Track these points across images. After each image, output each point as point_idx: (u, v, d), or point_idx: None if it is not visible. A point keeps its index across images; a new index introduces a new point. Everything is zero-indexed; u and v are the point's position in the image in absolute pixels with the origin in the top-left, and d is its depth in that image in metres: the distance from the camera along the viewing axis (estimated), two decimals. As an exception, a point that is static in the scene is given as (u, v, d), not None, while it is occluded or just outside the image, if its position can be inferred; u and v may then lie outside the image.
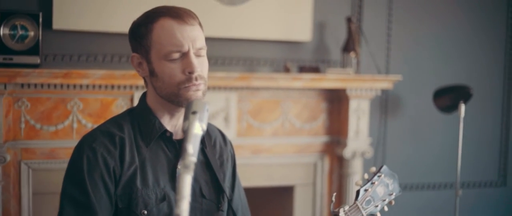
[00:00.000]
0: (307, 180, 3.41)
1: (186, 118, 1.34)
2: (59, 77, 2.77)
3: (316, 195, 3.42)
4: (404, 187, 3.72)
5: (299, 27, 3.35)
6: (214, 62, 3.24)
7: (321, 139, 3.39)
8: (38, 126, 2.86)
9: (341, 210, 1.72)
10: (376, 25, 3.59)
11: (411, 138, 3.74)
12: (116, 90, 2.94)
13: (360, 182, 1.81)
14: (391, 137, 3.69)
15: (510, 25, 3.91)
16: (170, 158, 1.63)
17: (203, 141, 1.70)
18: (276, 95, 3.26)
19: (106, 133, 1.60)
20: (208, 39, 3.17)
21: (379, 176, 1.82)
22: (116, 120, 1.66)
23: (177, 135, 1.66)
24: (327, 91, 3.35)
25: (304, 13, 3.34)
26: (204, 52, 1.62)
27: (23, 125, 2.84)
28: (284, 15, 3.31)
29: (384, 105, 3.66)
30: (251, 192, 3.41)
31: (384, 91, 3.57)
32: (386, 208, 1.83)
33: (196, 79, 1.57)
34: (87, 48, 3.05)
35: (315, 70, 3.30)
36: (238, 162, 3.15)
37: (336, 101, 3.39)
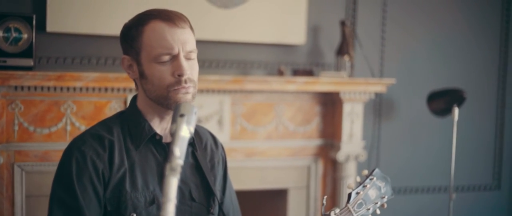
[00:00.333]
0: (301, 183, 3.41)
1: (174, 121, 1.34)
2: (53, 80, 2.77)
3: (310, 198, 3.42)
4: (398, 190, 3.73)
5: (293, 30, 3.35)
6: (208, 65, 3.25)
7: (315, 142, 3.39)
8: (31, 128, 2.86)
9: (332, 213, 1.72)
10: (370, 28, 3.60)
11: (405, 141, 3.75)
12: (110, 93, 2.94)
13: (352, 185, 1.81)
14: (385, 141, 3.70)
15: (505, 28, 3.93)
16: (160, 161, 1.63)
17: (193, 144, 1.71)
18: (270, 98, 3.26)
19: (96, 136, 1.60)
20: (202, 42, 3.20)
21: (371, 179, 1.82)
22: (106, 123, 1.66)
23: (167, 138, 1.66)
24: (321, 94, 3.36)
25: (298, 16, 3.35)
26: (194, 55, 1.62)
27: (16, 128, 2.84)
28: (278, 18, 3.32)
29: (378, 108, 3.67)
30: (244, 195, 3.42)
31: (378, 95, 3.58)
32: (378, 211, 1.83)
33: (186, 82, 1.58)
34: (81, 50, 3.06)
35: (309, 73, 3.31)
36: (231, 165, 3.15)
37: (330, 105, 3.40)
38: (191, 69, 1.60)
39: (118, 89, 2.93)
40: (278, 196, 3.47)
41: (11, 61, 2.76)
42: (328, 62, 3.48)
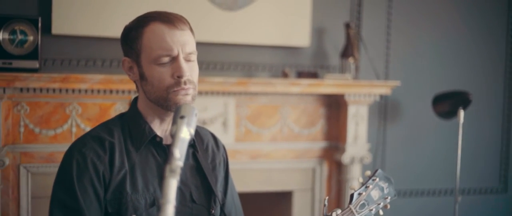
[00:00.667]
0: (305, 186, 3.41)
1: (174, 122, 1.34)
2: (58, 82, 2.79)
3: (314, 201, 3.41)
4: (403, 193, 3.72)
5: (297, 33, 3.36)
6: (213, 67, 3.26)
7: (320, 144, 3.39)
8: (37, 130, 2.88)
9: (334, 214, 1.72)
10: (375, 30, 3.60)
11: (410, 144, 3.74)
12: (115, 95, 2.95)
13: (355, 186, 1.81)
14: (390, 143, 3.69)
15: (511, 30, 3.91)
16: (160, 163, 1.64)
17: (194, 145, 1.71)
18: (275, 100, 3.27)
19: (96, 138, 1.61)
20: (207, 44, 3.21)
21: (373, 180, 1.82)
22: (107, 125, 1.67)
23: (168, 140, 1.67)
24: (326, 96, 3.36)
25: (303, 18, 3.35)
26: (194, 57, 1.63)
27: (22, 129, 2.86)
28: (283, 21, 3.32)
29: (383, 110, 3.66)
30: (249, 197, 3.42)
31: (383, 97, 3.58)
32: (381, 212, 1.82)
33: (185, 83, 1.58)
34: (86, 52, 3.07)
35: (314, 75, 3.31)
36: (236, 167, 3.17)
37: (334, 107, 3.40)
38: (190, 70, 1.60)
39: (123, 91, 2.94)
40: (283, 198, 3.47)
41: (17, 63, 2.78)
42: (333, 64, 3.48)
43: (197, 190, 1.69)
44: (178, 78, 1.57)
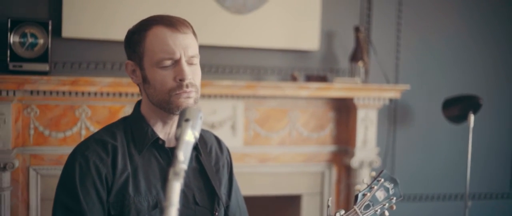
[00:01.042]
0: (314, 189, 3.40)
1: (179, 125, 1.35)
2: (68, 85, 2.81)
3: (323, 205, 3.40)
4: (413, 197, 3.70)
5: (306, 36, 3.35)
6: (222, 71, 3.26)
7: (329, 148, 3.39)
8: (46, 132, 2.90)
9: (337, 214, 1.71)
10: (385, 34, 3.59)
11: (420, 148, 3.72)
12: (124, 98, 2.97)
13: (360, 188, 1.80)
14: (400, 147, 3.67)
15: (522, 35, 3.88)
16: (163, 166, 1.64)
17: (198, 148, 1.71)
18: (283, 104, 3.27)
19: (99, 141, 1.62)
20: (216, 48, 3.21)
21: (378, 181, 1.81)
22: (110, 128, 1.68)
23: (171, 143, 1.67)
24: (335, 100, 3.35)
25: (312, 22, 3.35)
26: (196, 61, 1.63)
27: (32, 132, 2.88)
28: (292, 24, 3.32)
29: (393, 114, 3.65)
30: (258, 201, 3.42)
31: (393, 101, 3.56)
32: (387, 213, 1.81)
33: (187, 87, 1.58)
34: (96, 56, 3.09)
35: (323, 79, 3.31)
36: (245, 170, 3.18)
37: (343, 111, 3.39)
38: (193, 74, 1.60)
39: (132, 94, 2.95)
40: (291, 202, 3.46)
41: (27, 66, 2.81)
42: (342, 68, 3.48)
43: (200, 193, 1.69)
44: (180, 81, 1.58)
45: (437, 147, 3.76)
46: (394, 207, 1.81)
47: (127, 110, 2.97)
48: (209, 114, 3.11)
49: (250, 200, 3.14)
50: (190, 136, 1.31)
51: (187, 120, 1.34)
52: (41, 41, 2.83)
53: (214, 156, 1.80)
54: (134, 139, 1.65)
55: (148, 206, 1.59)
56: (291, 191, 3.38)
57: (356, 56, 3.33)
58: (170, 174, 1.18)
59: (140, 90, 1.69)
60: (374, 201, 1.78)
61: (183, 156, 1.23)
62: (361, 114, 3.32)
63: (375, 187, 1.79)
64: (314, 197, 3.41)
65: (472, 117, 3.24)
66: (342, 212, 1.71)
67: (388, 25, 3.60)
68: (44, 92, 2.85)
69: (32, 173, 2.90)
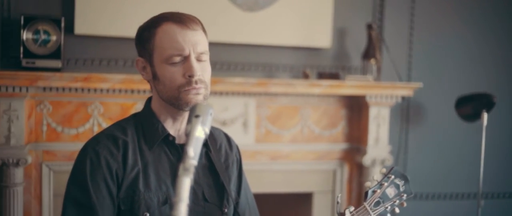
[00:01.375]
0: (326, 187, 3.39)
1: (189, 121, 1.35)
2: (80, 81, 2.82)
3: (335, 203, 3.39)
4: (425, 196, 3.68)
5: (319, 34, 3.34)
6: (233, 68, 3.26)
7: (341, 146, 3.38)
8: (59, 128, 2.92)
9: (347, 211, 1.70)
10: (397, 31, 3.57)
11: (433, 146, 3.70)
12: (136, 94, 2.98)
13: (371, 184, 1.79)
14: (412, 145, 3.65)
15: (537, 33, 3.85)
16: (173, 162, 1.65)
17: (207, 145, 1.71)
18: (295, 101, 3.26)
19: (110, 137, 1.63)
20: (227, 45, 3.22)
21: (389, 178, 1.79)
22: (120, 124, 1.69)
23: (181, 139, 1.68)
24: (347, 98, 3.34)
25: (324, 19, 3.34)
26: (206, 57, 1.63)
27: (45, 128, 2.90)
28: (304, 21, 3.31)
29: (406, 112, 3.63)
30: (269, 198, 3.42)
31: (405, 99, 3.54)
32: (397, 210, 1.79)
33: (196, 83, 1.59)
34: (108, 52, 3.10)
35: (335, 76, 3.29)
36: (256, 168, 3.18)
37: (356, 108, 3.38)
38: (202, 70, 1.61)
39: (144, 91, 2.96)
40: (303, 200, 3.46)
41: (40, 63, 2.83)
42: (354, 65, 3.46)
43: (210, 189, 1.70)
44: (189, 77, 1.58)
45: (449, 146, 3.73)
46: (405, 204, 1.80)
47: (139, 107, 2.98)
48: (220, 111, 3.11)
49: (261, 198, 3.14)
50: (200, 132, 1.31)
51: (197, 116, 1.34)
52: (53, 38, 2.85)
53: (223, 153, 1.80)
54: (145, 135, 1.65)
55: (158, 201, 1.60)
56: (302, 189, 3.38)
57: (368, 53, 3.31)
58: (180, 170, 1.18)
59: (150, 86, 1.70)
60: (384, 198, 1.76)
61: (193, 152, 1.23)
62: (373, 112, 3.31)
63: (386, 184, 1.78)
64: (325, 195, 3.40)
65: (485, 116, 3.21)
66: (352, 208, 1.71)
67: (400, 22, 3.58)
68: (57, 89, 2.87)
69: (44, 169, 2.93)
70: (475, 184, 3.34)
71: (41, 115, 2.89)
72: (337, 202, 1.71)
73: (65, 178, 2.88)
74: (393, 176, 1.79)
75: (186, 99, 1.59)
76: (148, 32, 1.63)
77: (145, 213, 1.58)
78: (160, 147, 1.65)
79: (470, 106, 3.35)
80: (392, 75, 3.49)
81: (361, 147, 3.36)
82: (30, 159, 2.83)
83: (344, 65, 3.45)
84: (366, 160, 3.31)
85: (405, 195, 1.80)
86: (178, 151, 1.66)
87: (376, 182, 1.79)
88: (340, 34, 3.43)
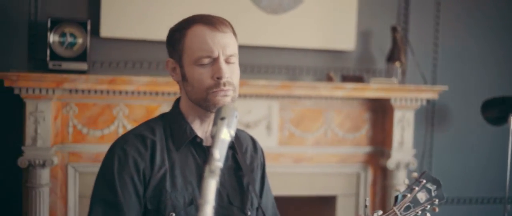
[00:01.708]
0: (349, 191, 3.38)
1: (214, 123, 1.36)
2: (105, 83, 2.85)
3: (359, 206, 3.38)
4: (450, 200, 3.64)
5: (343, 36, 3.33)
6: (257, 71, 3.26)
7: (364, 149, 3.36)
8: (85, 130, 2.95)
9: (375, 215, 1.68)
10: (423, 34, 3.54)
11: (458, 150, 3.66)
12: (160, 97, 3.00)
13: (400, 188, 1.76)
14: (437, 149, 3.62)
15: None
16: (199, 163, 1.65)
17: (234, 147, 1.72)
18: (319, 104, 3.25)
19: (138, 136, 1.64)
20: (251, 48, 3.22)
21: (420, 182, 1.76)
22: (149, 124, 1.70)
23: (208, 141, 1.68)
24: (371, 101, 3.32)
25: (348, 21, 3.32)
26: (234, 60, 1.64)
27: (70, 129, 2.93)
28: (328, 24, 3.30)
29: (431, 116, 3.60)
30: (292, 201, 3.42)
31: (430, 102, 3.51)
32: (428, 215, 1.77)
33: (225, 85, 1.59)
34: (133, 55, 3.13)
35: (359, 79, 3.28)
36: (279, 170, 3.17)
37: (380, 111, 3.36)
38: (230, 72, 1.62)
39: (169, 93, 2.98)
40: (326, 203, 3.44)
41: (66, 65, 2.86)
42: (379, 68, 3.44)
43: (234, 192, 1.70)
44: (217, 79, 1.59)
45: (475, 149, 3.69)
46: (437, 210, 1.76)
47: (164, 109, 3.00)
48: (244, 113, 3.11)
49: (285, 201, 3.14)
50: (226, 135, 1.32)
51: (222, 118, 1.35)
52: (80, 40, 2.89)
53: (249, 156, 1.81)
54: (173, 136, 1.66)
55: (184, 202, 1.60)
56: (326, 192, 3.36)
57: (393, 56, 3.29)
58: (206, 172, 1.19)
59: (179, 87, 1.71)
60: (415, 202, 1.73)
61: (219, 154, 1.24)
62: (398, 115, 3.29)
63: (416, 188, 1.75)
64: (349, 199, 3.38)
65: (512, 119, 3.17)
66: (380, 213, 1.68)
67: (425, 24, 3.55)
68: (83, 91, 2.90)
69: (70, 170, 2.96)
70: (502, 188, 3.29)
71: (67, 117, 2.93)
72: (365, 206, 1.69)
73: (91, 179, 2.90)
74: (424, 181, 1.76)
75: (214, 101, 1.60)
76: (178, 34, 1.65)
77: (171, 213, 1.58)
78: (187, 148, 1.66)
79: (497, 110, 3.31)
80: (417, 78, 3.46)
81: (385, 150, 3.34)
82: (56, 161, 2.87)
83: (368, 68, 3.44)
84: (390, 163, 3.29)
85: (437, 200, 1.75)
86: (205, 152, 1.66)
87: (406, 186, 1.76)
88: (364, 36, 3.42)
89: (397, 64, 3.29)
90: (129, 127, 2.97)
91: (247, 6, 3.17)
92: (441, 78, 3.57)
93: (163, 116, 1.74)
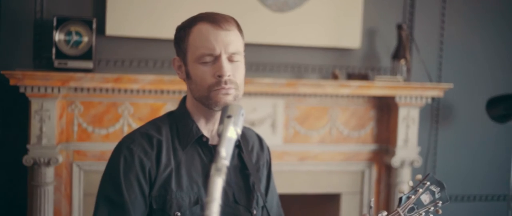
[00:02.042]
0: (354, 189, 3.37)
1: (221, 121, 1.36)
2: (111, 82, 2.85)
3: (363, 204, 3.38)
4: (454, 198, 3.64)
5: (348, 34, 3.33)
6: (262, 68, 3.26)
7: (369, 147, 3.36)
8: (90, 129, 2.95)
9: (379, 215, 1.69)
10: (428, 32, 3.53)
11: (463, 147, 3.66)
12: (166, 95, 3.00)
13: (404, 190, 1.77)
14: (442, 146, 3.61)
15: None
16: (205, 162, 1.65)
17: (240, 146, 1.72)
18: (324, 102, 3.25)
19: (145, 135, 1.64)
20: (257, 46, 3.22)
21: (424, 184, 1.77)
22: (155, 123, 1.70)
23: (214, 140, 1.68)
24: (376, 98, 3.32)
25: (354, 19, 3.32)
26: (239, 58, 1.63)
27: (75, 128, 2.94)
28: (333, 22, 3.30)
29: (435, 113, 3.60)
30: (297, 199, 3.42)
31: (435, 100, 3.51)
32: None
33: (226, 83, 1.59)
34: (138, 53, 3.13)
35: (364, 77, 3.27)
36: (284, 168, 3.17)
37: (385, 109, 3.36)
38: (233, 71, 1.61)
39: (174, 92, 2.98)
40: (331, 201, 3.44)
41: (72, 63, 2.87)
42: (384, 66, 3.44)
43: (240, 191, 1.70)
44: (219, 77, 1.59)
45: (480, 147, 3.68)
46: (440, 212, 1.77)
47: (169, 108, 3.00)
48: (249, 112, 3.11)
49: (289, 198, 3.14)
50: (232, 133, 1.32)
51: (229, 116, 1.35)
52: (85, 39, 2.89)
53: (255, 154, 1.81)
54: (179, 135, 1.66)
55: (190, 201, 1.60)
56: (330, 189, 3.36)
57: (398, 54, 3.29)
58: (212, 170, 1.19)
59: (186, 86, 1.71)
60: (418, 204, 1.74)
61: (225, 152, 1.24)
62: (402, 112, 3.28)
63: (420, 190, 1.76)
64: (354, 196, 3.38)
65: (517, 117, 3.17)
66: (384, 213, 1.69)
67: (431, 22, 3.54)
68: (88, 89, 2.90)
69: (75, 169, 2.96)
70: (506, 186, 3.29)
71: (72, 115, 2.93)
72: (370, 207, 1.70)
73: (95, 177, 2.94)
74: (428, 183, 1.77)
75: (216, 99, 1.60)
76: (183, 31, 1.65)
77: (176, 212, 1.58)
78: (193, 147, 1.66)
79: (502, 107, 3.31)
80: (422, 76, 3.46)
81: (390, 148, 3.33)
82: (61, 159, 2.87)
83: (373, 66, 3.43)
84: (395, 161, 3.28)
85: (440, 202, 1.77)
86: (210, 152, 1.66)
87: (410, 188, 1.77)
88: (369, 34, 3.41)
89: (402, 62, 3.28)
90: (134, 125, 2.97)
91: (253, 4, 3.17)
92: (446, 76, 3.56)
93: (169, 114, 1.74)
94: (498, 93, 3.38)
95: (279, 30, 3.23)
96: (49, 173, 2.86)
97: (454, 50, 3.58)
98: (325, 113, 3.26)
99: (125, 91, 2.95)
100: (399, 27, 3.30)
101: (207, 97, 1.61)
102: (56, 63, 2.86)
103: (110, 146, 2.95)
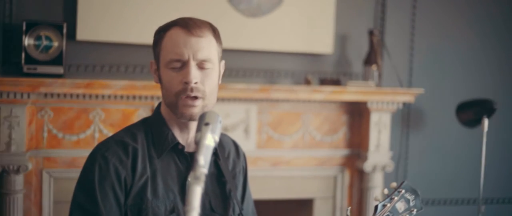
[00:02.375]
0: (327, 193, 3.39)
1: (198, 129, 1.34)
2: (82, 87, 2.81)
3: (336, 209, 3.39)
4: (426, 202, 3.68)
5: (320, 40, 3.34)
6: (235, 74, 3.26)
7: (342, 152, 3.37)
8: (60, 135, 2.90)
9: None
10: (399, 37, 3.57)
11: (434, 152, 3.70)
12: (138, 101, 2.96)
13: (379, 198, 1.78)
14: (413, 151, 3.65)
15: (537, 38, 3.85)
16: (181, 170, 1.63)
17: (216, 153, 1.70)
18: (297, 107, 3.25)
19: (120, 143, 1.61)
20: (230, 51, 3.21)
21: (399, 192, 1.78)
22: (130, 129, 1.67)
23: (189, 148, 1.66)
24: (348, 104, 3.34)
25: (326, 25, 3.34)
26: (209, 65, 1.61)
27: (45, 134, 2.88)
28: (306, 28, 3.31)
29: (406, 118, 3.63)
30: (270, 205, 3.41)
31: (406, 105, 3.54)
32: None
33: (192, 91, 1.56)
34: (110, 58, 3.09)
35: (336, 82, 3.29)
36: (257, 174, 3.17)
37: (357, 114, 3.38)
38: (202, 78, 1.59)
39: (146, 97, 2.95)
40: (303, 206, 3.45)
41: (42, 69, 2.81)
42: (356, 71, 3.46)
43: (217, 199, 1.68)
44: (185, 84, 1.57)
45: (450, 151, 3.73)
46: None
47: (141, 113, 2.97)
48: (222, 117, 3.08)
49: (262, 204, 3.13)
50: (210, 140, 1.30)
51: (206, 124, 1.34)
52: (55, 44, 2.84)
53: (231, 161, 1.79)
54: (154, 142, 1.64)
55: (165, 210, 1.58)
56: (303, 195, 3.37)
57: (370, 59, 3.31)
58: (191, 178, 1.17)
59: None
60: (394, 212, 1.75)
61: (204, 160, 1.22)
62: (374, 117, 3.31)
63: (396, 198, 1.76)
64: (326, 201, 3.39)
65: (486, 121, 3.21)
66: None
67: (402, 28, 3.58)
68: (58, 95, 2.85)
69: (45, 176, 2.91)
70: (476, 189, 3.33)
71: (42, 122, 2.88)
72: (347, 215, 1.70)
73: (66, 185, 2.89)
74: (403, 191, 1.78)
75: (182, 110, 1.58)
76: (158, 35, 1.64)
77: None
78: (169, 155, 1.63)
79: (471, 112, 3.35)
80: (394, 81, 3.49)
81: (362, 153, 3.36)
82: (30, 166, 2.81)
83: (345, 71, 3.45)
84: (367, 166, 3.31)
85: (415, 210, 1.79)
86: (187, 159, 1.64)
87: (386, 196, 1.78)
88: (341, 40, 3.43)
89: (374, 67, 3.31)
90: (106, 131, 2.93)
91: (226, 9, 3.16)
92: (417, 81, 3.60)
93: (144, 121, 1.71)
94: (467, 98, 3.43)
95: (252, 35, 3.23)
96: (18, 181, 2.80)
97: (424, 55, 3.63)
98: (298, 119, 3.27)
99: (97, 96, 2.90)
100: (371, 33, 3.32)
101: (175, 104, 1.59)
102: (25, 68, 2.80)
103: (80, 153, 2.93)
